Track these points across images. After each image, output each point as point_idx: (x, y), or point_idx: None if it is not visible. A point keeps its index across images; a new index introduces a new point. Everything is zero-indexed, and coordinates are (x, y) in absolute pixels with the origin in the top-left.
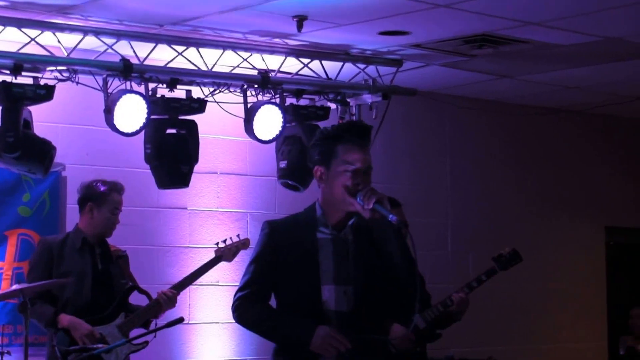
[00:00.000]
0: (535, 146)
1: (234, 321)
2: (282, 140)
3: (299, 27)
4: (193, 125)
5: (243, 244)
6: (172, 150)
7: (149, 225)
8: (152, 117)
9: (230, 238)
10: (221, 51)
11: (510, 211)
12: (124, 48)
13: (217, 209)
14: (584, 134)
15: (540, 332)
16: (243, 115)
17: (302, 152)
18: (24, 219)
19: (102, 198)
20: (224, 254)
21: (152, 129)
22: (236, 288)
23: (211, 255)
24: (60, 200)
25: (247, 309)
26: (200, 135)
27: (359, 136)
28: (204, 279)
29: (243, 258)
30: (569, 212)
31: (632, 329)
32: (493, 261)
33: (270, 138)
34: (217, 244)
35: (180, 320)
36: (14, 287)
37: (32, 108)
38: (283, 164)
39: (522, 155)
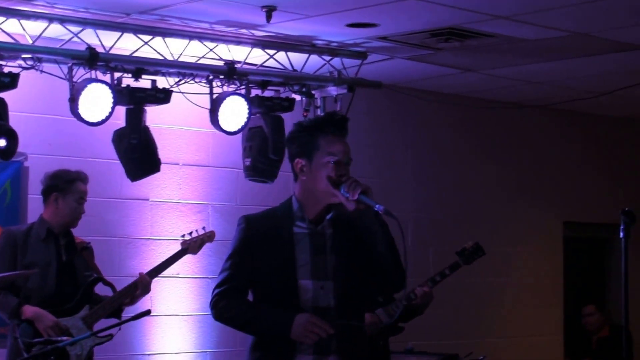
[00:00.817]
0: (497, 140)
1: (195, 313)
2: (246, 134)
3: (268, 17)
4: None
5: (208, 237)
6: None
7: (111, 216)
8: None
9: (196, 230)
10: (187, 41)
11: (470, 205)
12: (89, 37)
13: (179, 201)
14: (545, 129)
15: (498, 325)
16: (208, 106)
17: (264, 145)
18: None
19: (67, 188)
20: (190, 246)
21: (135, 119)
22: (199, 280)
23: (174, 247)
24: (22, 191)
25: (225, 305)
26: (163, 125)
27: (339, 127)
28: (166, 271)
29: (206, 251)
30: (528, 206)
31: (586, 327)
32: (457, 255)
33: (236, 129)
34: (183, 236)
35: (147, 312)
36: None
37: None
38: (247, 162)
39: (483, 150)
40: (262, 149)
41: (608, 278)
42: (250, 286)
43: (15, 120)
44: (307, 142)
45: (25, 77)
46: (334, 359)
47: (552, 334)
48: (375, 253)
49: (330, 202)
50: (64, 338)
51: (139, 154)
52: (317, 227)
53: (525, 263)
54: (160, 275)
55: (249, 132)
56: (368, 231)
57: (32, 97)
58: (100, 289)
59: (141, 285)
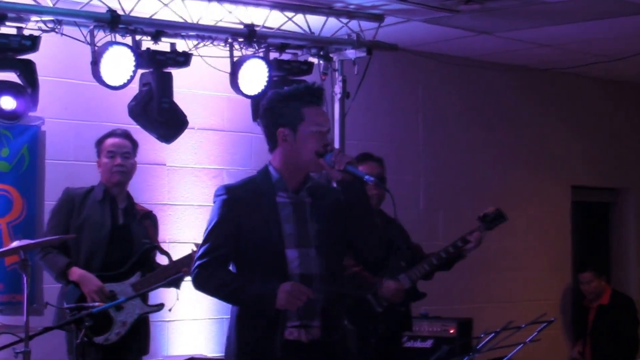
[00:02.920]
0: (507, 105)
1: None
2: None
3: None
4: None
5: None
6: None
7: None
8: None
9: None
10: (207, 3)
11: (480, 169)
12: None
13: (195, 166)
14: (555, 93)
15: (505, 289)
16: (225, 70)
17: None
18: (2, 174)
19: (100, 147)
20: None
21: (166, 82)
22: None
23: (190, 212)
24: (39, 155)
25: (208, 276)
26: (178, 90)
27: (319, 98)
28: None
29: None
30: (536, 171)
31: (584, 295)
32: (478, 221)
33: (256, 92)
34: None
35: (181, 277)
36: (15, 243)
37: None
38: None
39: (493, 114)
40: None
41: (613, 242)
42: (233, 257)
43: None
44: (290, 113)
45: (41, 41)
46: (318, 323)
47: (560, 298)
48: (356, 224)
49: (311, 172)
50: (96, 304)
51: (169, 115)
52: (298, 196)
53: (534, 227)
54: (176, 241)
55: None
56: (351, 202)
57: (49, 61)
58: None
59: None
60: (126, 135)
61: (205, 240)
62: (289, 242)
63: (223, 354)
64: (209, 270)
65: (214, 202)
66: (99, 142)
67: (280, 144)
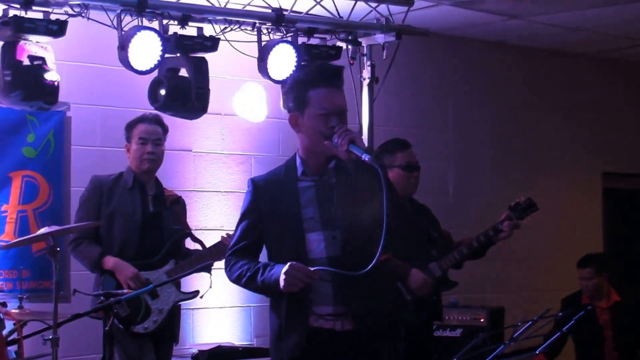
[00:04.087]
0: (537, 90)
1: None
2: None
3: None
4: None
5: None
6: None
7: None
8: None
9: None
10: None
11: (510, 156)
12: None
13: (222, 152)
14: (586, 77)
15: (536, 278)
16: (254, 55)
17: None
18: (28, 160)
19: (130, 133)
20: None
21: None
22: None
23: (216, 199)
24: (65, 141)
25: (233, 265)
26: None
27: (330, 79)
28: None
29: None
30: (567, 157)
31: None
32: (509, 210)
33: (284, 78)
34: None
35: (210, 265)
36: (43, 230)
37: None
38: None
39: (523, 99)
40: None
41: None
42: (262, 246)
43: (57, 69)
44: (299, 96)
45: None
46: (350, 309)
47: None
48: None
49: (327, 154)
50: (126, 291)
51: (199, 100)
52: (322, 178)
53: (565, 215)
54: (203, 228)
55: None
56: (370, 190)
57: (74, 45)
58: None
59: (224, 247)
60: (157, 120)
61: (234, 233)
62: (312, 226)
63: (249, 342)
64: (234, 261)
65: (245, 197)
66: (130, 127)
67: (294, 128)
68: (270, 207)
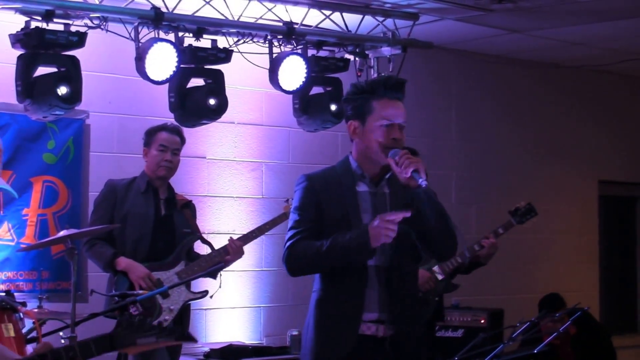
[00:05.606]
0: (534, 101)
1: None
2: None
3: None
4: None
5: None
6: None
7: None
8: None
9: None
10: (247, 1)
11: (510, 164)
12: None
13: (234, 159)
14: (581, 89)
15: (535, 281)
16: (265, 66)
17: None
18: (48, 166)
19: (151, 139)
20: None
21: (220, 79)
22: None
23: (229, 204)
24: (84, 148)
25: (299, 251)
26: None
27: (394, 91)
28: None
29: (259, 207)
30: (564, 165)
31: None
32: (510, 215)
33: (294, 88)
34: (287, 200)
35: (221, 267)
36: (62, 232)
37: None
38: None
39: (524, 110)
40: None
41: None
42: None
43: None
44: (361, 105)
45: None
46: (392, 317)
47: (588, 290)
48: (425, 228)
49: (383, 164)
50: (141, 292)
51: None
52: (377, 187)
53: (562, 221)
54: (215, 232)
55: None
56: (418, 208)
57: (93, 56)
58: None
59: (232, 250)
60: (178, 131)
61: (290, 227)
62: None
63: (259, 341)
64: (298, 246)
65: (295, 191)
66: (151, 133)
67: (352, 136)
68: (329, 207)
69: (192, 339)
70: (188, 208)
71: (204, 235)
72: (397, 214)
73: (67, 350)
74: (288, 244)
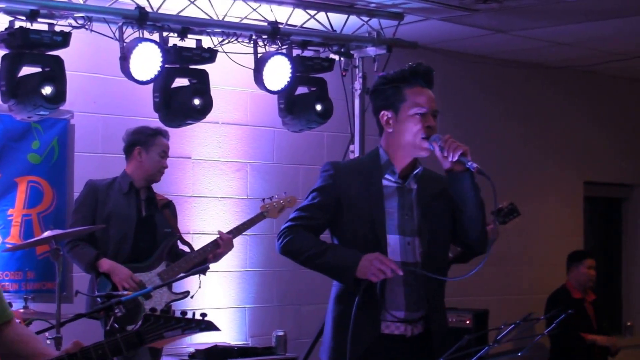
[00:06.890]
0: (520, 101)
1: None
2: None
3: None
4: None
5: (289, 202)
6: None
7: None
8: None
9: (277, 195)
10: (232, 1)
11: (495, 165)
12: None
13: (219, 159)
14: (568, 90)
15: (519, 282)
16: (250, 66)
17: None
18: (33, 166)
19: (150, 141)
20: (269, 210)
21: (205, 79)
22: (239, 237)
23: (214, 204)
24: (68, 148)
25: (294, 237)
26: None
27: (425, 78)
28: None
29: (243, 207)
30: (550, 166)
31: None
32: (492, 215)
33: (279, 88)
34: (263, 200)
35: (206, 268)
36: (47, 233)
37: None
38: None
39: (508, 110)
40: None
41: (625, 238)
42: (324, 229)
43: None
44: (392, 94)
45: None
46: (421, 315)
47: None
48: (463, 216)
49: (417, 156)
50: (125, 293)
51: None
52: (405, 182)
53: (548, 222)
54: (200, 232)
55: None
56: (460, 194)
57: (78, 56)
58: None
59: (223, 244)
60: (168, 136)
61: (300, 207)
62: (392, 228)
63: (244, 342)
64: (295, 232)
65: (319, 178)
66: (150, 136)
67: (384, 127)
68: (353, 197)
69: (216, 328)
70: (168, 208)
71: (190, 236)
72: (397, 268)
73: (96, 348)
74: (288, 224)
